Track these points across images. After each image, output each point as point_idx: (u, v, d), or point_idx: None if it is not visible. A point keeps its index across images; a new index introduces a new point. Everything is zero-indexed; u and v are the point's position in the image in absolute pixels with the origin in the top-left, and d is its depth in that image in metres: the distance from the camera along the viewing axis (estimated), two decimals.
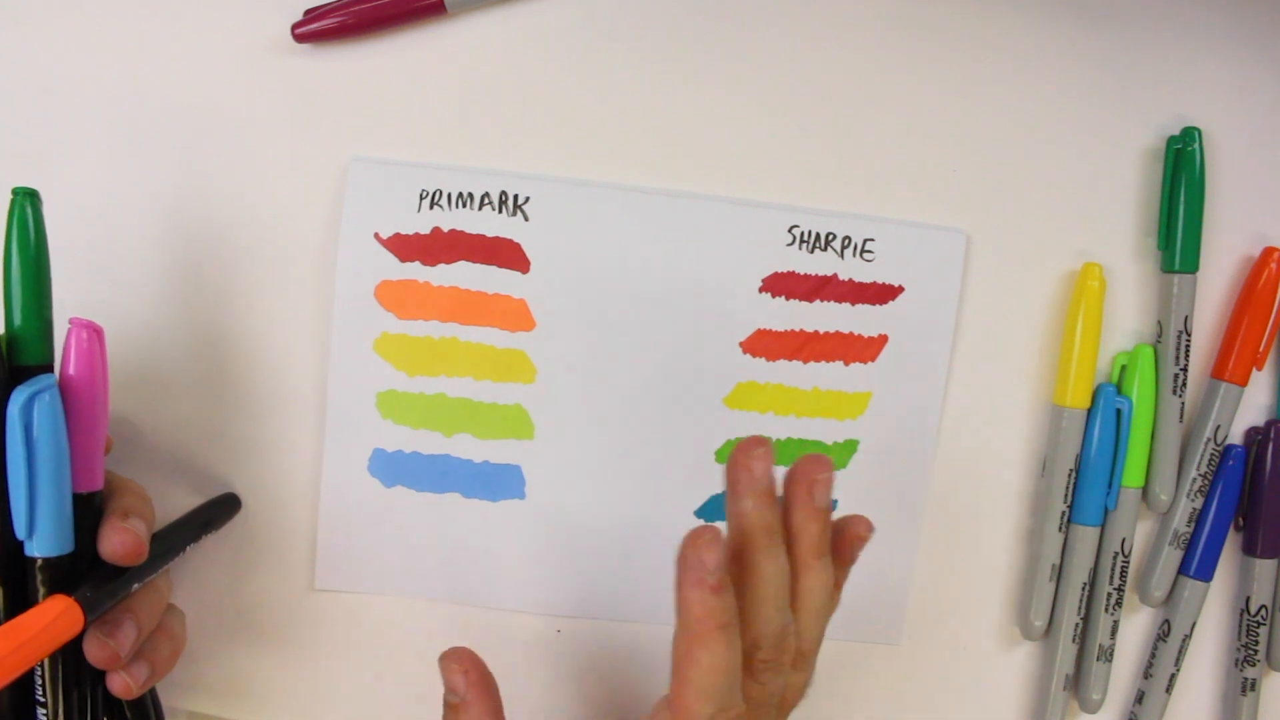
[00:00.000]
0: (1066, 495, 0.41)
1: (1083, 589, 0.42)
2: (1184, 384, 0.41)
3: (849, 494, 0.42)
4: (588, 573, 0.41)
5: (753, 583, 0.29)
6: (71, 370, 0.31)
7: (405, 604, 0.42)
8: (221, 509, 0.40)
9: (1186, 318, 0.41)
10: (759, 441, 0.29)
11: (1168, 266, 0.41)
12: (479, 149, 0.39)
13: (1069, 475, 0.41)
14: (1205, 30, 0.41)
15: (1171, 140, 0.41)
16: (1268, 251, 0.41)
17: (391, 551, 0.41)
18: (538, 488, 0.41)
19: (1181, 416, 0.41)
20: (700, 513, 0.42)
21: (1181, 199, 0.40)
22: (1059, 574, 0.42)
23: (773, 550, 0.29)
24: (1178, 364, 0.41)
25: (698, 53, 0.40)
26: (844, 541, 0.32)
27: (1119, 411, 0.41)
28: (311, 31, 0.38)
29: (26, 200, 0.31)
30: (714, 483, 0.42)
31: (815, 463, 0.30)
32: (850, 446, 0.42)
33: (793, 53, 0.40)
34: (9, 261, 0.31)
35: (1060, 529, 0.41)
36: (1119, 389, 0.41)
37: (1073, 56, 0.41)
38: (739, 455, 0.30)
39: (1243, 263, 0.42)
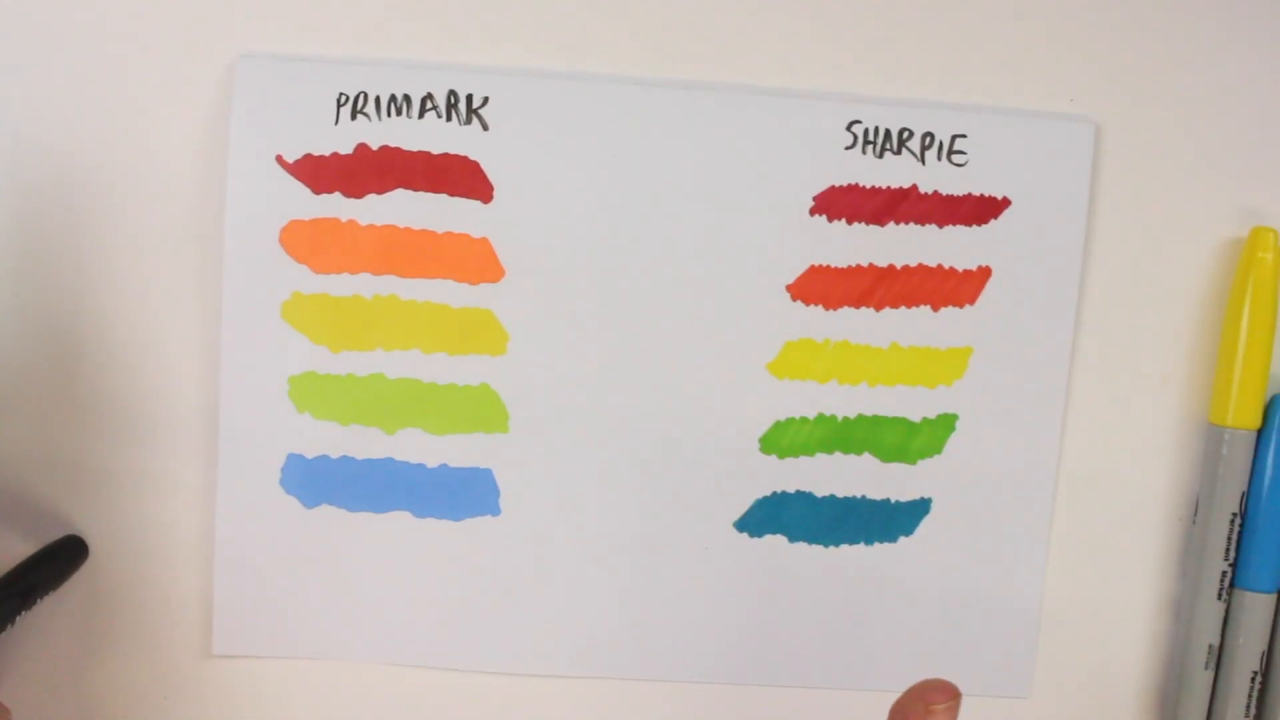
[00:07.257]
0: (1228, 550, 0.38)
1: (1253, 679, 0.38)
2: None
3: (944, 495, 0.37)
4: (588, 614, 0.37)
5: None
6: None
7: (338, 670, 0.38)
8: (59, 560, 0.35)
9: None
10: (945, 692, 0.28)
11: None
12: (417, 35, 0.35)
13: (1231, 522, 0.37)
14: None
15: None
16: None
17: (318, 598, 0.37)
18: (515, 499, 0.37)
19: None
20: (741, 525, 0.37)
21: None
22: (1219, 658, 0.38)
23: None
24: None
25: None
26: None
27: None
28: None
29: None
30: (758, 483, 0.37)
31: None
32: (946, 424, 0.37)
33: None
34: None
35: (1220, 596, 0.38)
36: None
37: None
38: (914, 704, 0.29)
39: None
